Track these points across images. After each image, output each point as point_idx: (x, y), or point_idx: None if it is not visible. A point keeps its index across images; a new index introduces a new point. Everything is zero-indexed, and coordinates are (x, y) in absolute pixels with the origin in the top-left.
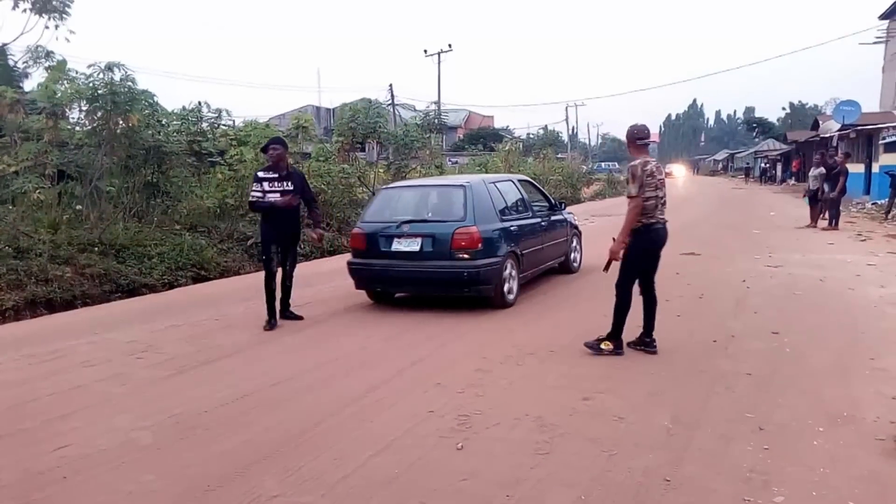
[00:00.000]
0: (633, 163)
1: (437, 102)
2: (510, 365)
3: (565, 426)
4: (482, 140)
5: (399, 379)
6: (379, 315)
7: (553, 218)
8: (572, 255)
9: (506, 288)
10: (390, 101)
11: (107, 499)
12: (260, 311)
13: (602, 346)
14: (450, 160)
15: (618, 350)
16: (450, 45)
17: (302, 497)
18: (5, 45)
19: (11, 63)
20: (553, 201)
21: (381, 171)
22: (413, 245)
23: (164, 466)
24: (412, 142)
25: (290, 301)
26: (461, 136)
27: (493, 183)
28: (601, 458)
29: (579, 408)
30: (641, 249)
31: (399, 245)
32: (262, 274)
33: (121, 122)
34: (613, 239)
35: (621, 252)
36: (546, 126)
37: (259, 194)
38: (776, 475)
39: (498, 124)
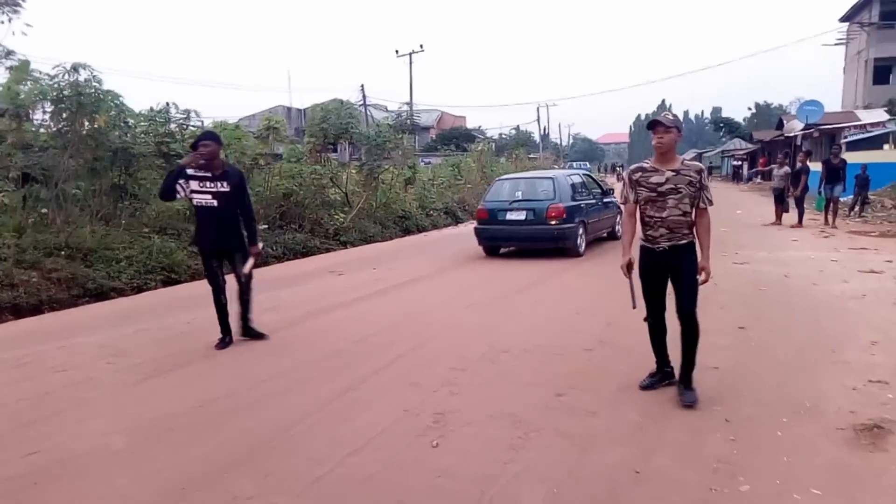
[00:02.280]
0: (699, 164)
1: (409, 103)
2: (485, 363)
3: (539, 422)
4: (455, 140)
5: (374, 379)
6: (352, 317)
7: (605, 200)
8: (616, 227)
9: (578, 243)
10: (362, 102)
11: None
12: (233, 313)
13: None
14: (422, 160)
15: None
16: (421, 46)
17: (277, 498)
18: None
19: None
20: (604, 189)
21: (354, 171)
22: (521, 215)
23: (137, 470)
24: (384, 142)
25: (251, 316)
26: (433, 136)
27: (569, 175)
28: (574, 453)
29: (552, 404)
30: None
31: (511, 216)
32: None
33: (87, 123)
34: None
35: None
36: (518, 126)
37: (181, 191)
38: (742, 465)
39: (470, 124)
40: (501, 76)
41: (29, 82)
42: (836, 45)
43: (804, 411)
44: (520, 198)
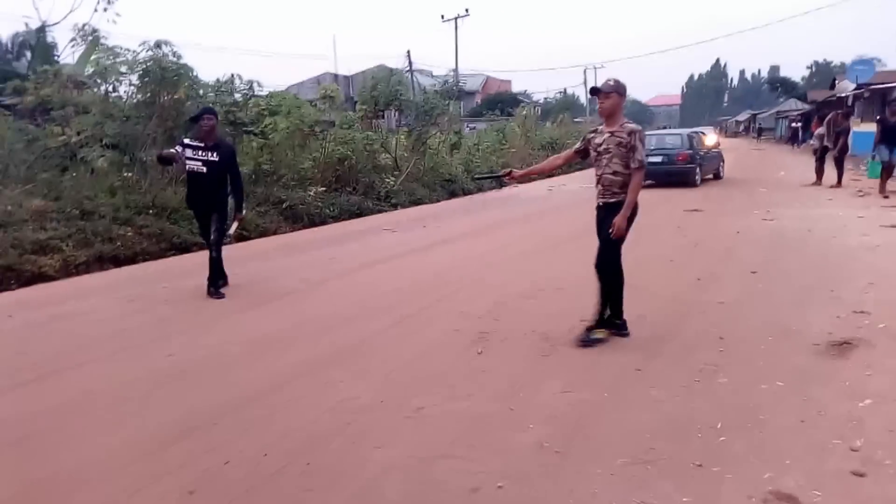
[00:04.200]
0: (634, 126)
1: (455, 69)
2: (523, 298)
3: (563, 339)
4: (500, 105)
5: (430, 309)
6: (407, 266)
7: (713, 151)
8: (721, 170)
9: (696, 177)
10: (408, 69)
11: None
12: (304, 261)
13: (599, 335)
14: (468, 126)
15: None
16: (466, 10)
17: (360, 382)
18: (45, 24)
19: (50, 40)
20: (715, 146)
21: (403, 137)
22: (658, 159)
23: (250, 369)
24: (432, 109)
25: (221, 277)
26: (479, 101)
27: (687, 134)
28: (589, 358)
29: (577, 326)
30: (631, 223)
31: (651, 158)
32: (300, 233)
33: (167, 95)
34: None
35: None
36: (565, 90)
37: (175, 152)
38: (724, 367)
39: (516, 88)
40: (548, 39)
41: (112, 57)
42: None
43: (789, 333)
44: (655, 147)
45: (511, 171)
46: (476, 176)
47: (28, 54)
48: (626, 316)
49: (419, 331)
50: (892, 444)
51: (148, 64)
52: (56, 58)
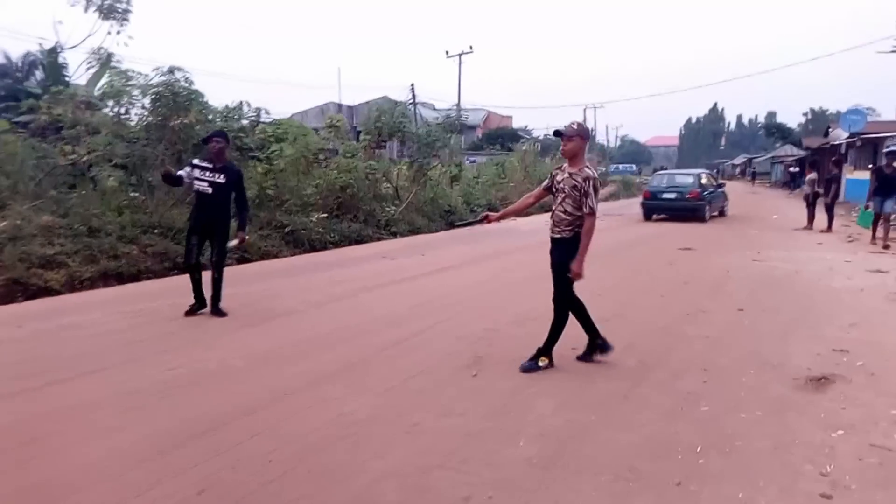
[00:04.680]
0: (590, 173)
1: (458, 104)
2: (514, 326)
3: (557, 363)
4: (500, 140)
5: (425, 333)
6: (404, 292)
7: (719, 190)
8: (725, 209)
9: (705, 213)
10: (411, 101)
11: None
12: (305, 284)
13: (540, 363)
14: (468, 159)
15: (551, 364)
16: (471, 47)
17: (359, 398)
18: (61, 46)
19: (62, 61)
20: (720, 182)
21: (404, 167)
22: (672, 195)
23: (256, 379)
24: (434, 141)
25: (220, 297)
26: (480, 135)
27: (699, 173)
28: (577, 382)
29: (567, 353)
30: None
31: (666, 195)
32: (301, 257)
33: (178, 118)
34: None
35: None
36: None
37: (184, 174)
38: (706, 396)
39: (516, 124)
40: (549, 77)
41: (122, 80)
42: (891, 52)
43: (770, 367)
44: (668, 185)
45: (488, 215)
46: (457, 223)
47: (37, 73)
48: (615, 345)
49: (416, 352)
50: (860, 470)
51: (161, 89)
52: (67, 78)
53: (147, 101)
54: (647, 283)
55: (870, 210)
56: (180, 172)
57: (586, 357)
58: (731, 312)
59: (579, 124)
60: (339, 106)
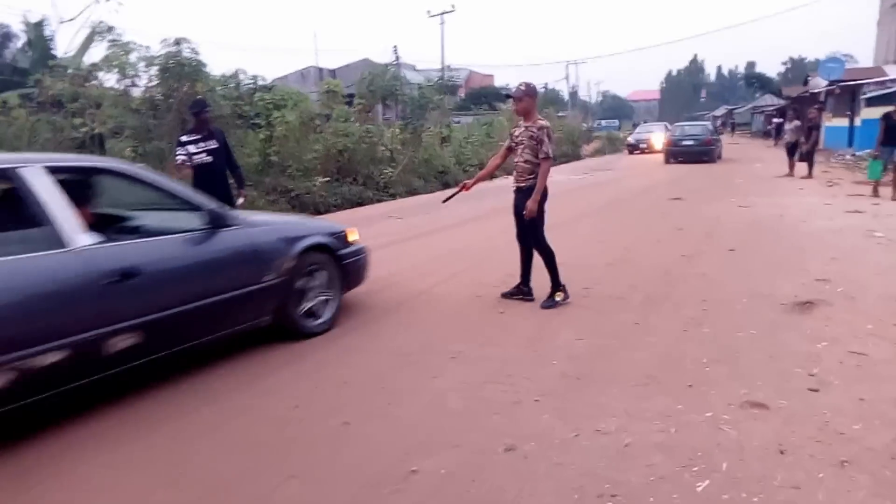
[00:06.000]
0: (543, 123)
1: (443, 65)
2: (534, 274)
3: (572, 301)
4: (484, 99)
5: (451, 281)
6: (419, 247)
7: (719, 136)
8: (722, 152)
9: (716, 156)
10: (395, 63)
11: None
12: None
13: (556, 298)
14: (453, 119)
15: (567, 296)
16: (452, 7)
17: (408, 332)
18: (58, 20)
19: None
20: (719, 135)
21: (398, 130)
22: (690, 142)
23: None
24: (426, 103)
25: None
26: (462, 95)
27: (708, 123)
28: (594, 316)
29: (581, 293)
30: (544, 206)
31: (685, 142)
32: None
33: (184, 89)
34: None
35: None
36: (546, 85)
37: (184, 157)
38: (707, 321)
39: (498, 83)
40: (529, 34)
41: (126, 53)
42: None
43: (761, 296)
44: (686, 134)
45: (465, 184)
46: (444, 200)
47: (11, 45)
48: (622, 286)
49: (446, 296)
50: (841, 371)
51: (170, 62)
52: (53, 51)
53: (154, 72)
54: (645, 232)
55: (879, 160)
56: (179, 158)
57: (551, 303)
58: (723, 253)
59: (527, 85)
60: (321, 70)
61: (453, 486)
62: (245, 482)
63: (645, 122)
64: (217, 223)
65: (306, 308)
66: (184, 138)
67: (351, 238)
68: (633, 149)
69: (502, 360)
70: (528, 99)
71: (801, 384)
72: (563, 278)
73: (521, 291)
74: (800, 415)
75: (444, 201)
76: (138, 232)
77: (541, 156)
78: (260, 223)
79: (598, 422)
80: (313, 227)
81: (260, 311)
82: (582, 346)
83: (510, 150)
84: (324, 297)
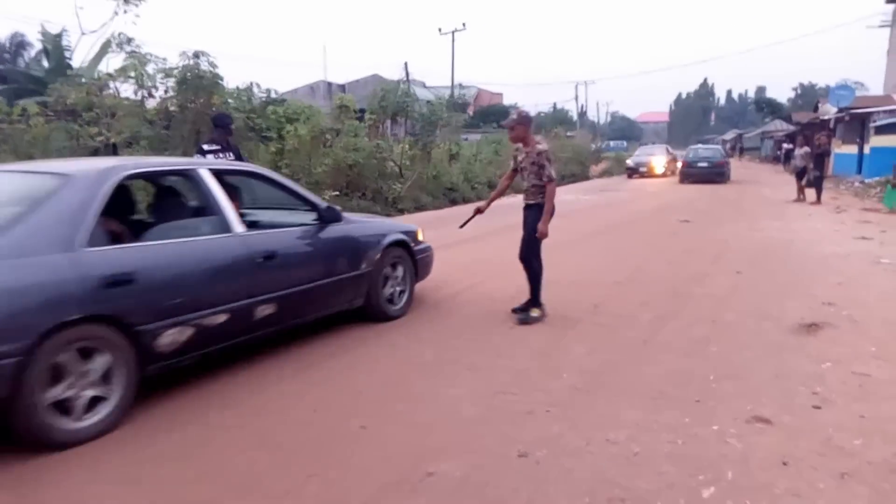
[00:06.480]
0: (542, 148)
1: (454, 83)
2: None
3: (581, 318)
4: (492, 118)
5: (463, 294)
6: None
7: (730, 160)
8: (730, 174)
9: (728, 176)
10: (404, 79)
11: None
12: None
13: (533, 314)
14: (462, 137)
15: (543, 314)
16: (464, 25)
17: (421, 344)
18: (81, 31)
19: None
20: (729, 156)
21: (407, 145)
22: (704, 164)
23: None
24: (437, 120)
25: None
26: (471, 112)
27: (720, 146)
28: (604, 332)
29: (590, 310)
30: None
31: (700, 164)
32: None
33: (201, 101)
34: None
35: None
36: (555, 104)
37: None
38: (714, 340)
39: (507, 102)
40: (539, 53)
41: (142, 65)
42: (880, 27)
43: (768, 318)
44: (700, 157)
45: (479, 208)
46: (461, 225)
47: (25, 55)
48: (632, 304)
49: (459, 310)
50: (843, 390)
51: (188, 73)
52: (68, 60)
53: (171, 83)
54: (655, 252)
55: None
56: None
57: (526, 318)
58: (731, 275)
59: (518, 113)
60: (330, 85)
61: (469, 488)
62: (268, 479)
63: (653, 143)
64: (329, 219)
65: (388, 295)
66: (205, 147)
67: (420, 237)
68: (633, 172)
69: (514, 372)
70: (520, 127)
71: (804, 401)
72: (573, 295)
73: (535, 305)
74: (803, 430)
75: (462, 226)
76: (266, 224)
77: (545, 179)
78: (356, 220)
79: (609, 432)
80: (394, 225)
81: (356, 293)
82: (591, 361)
83: (515, 172)
84: (400, 288)
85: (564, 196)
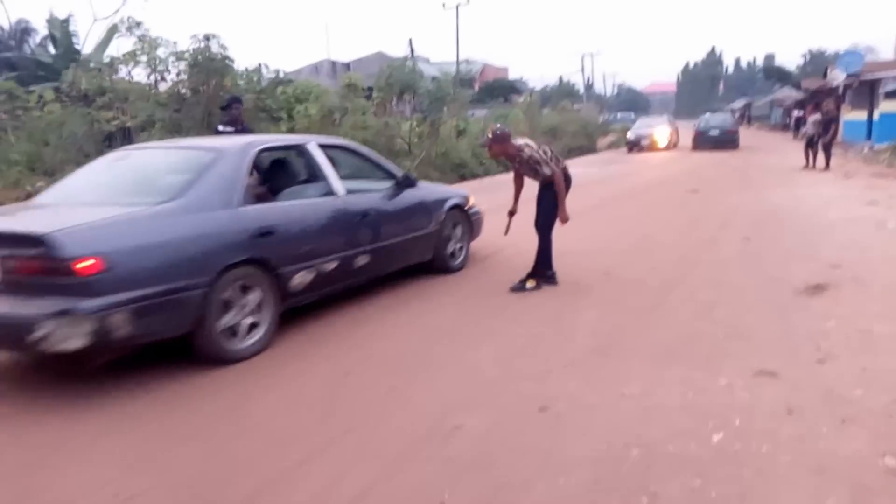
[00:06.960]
0: (525, 152)
1: (458, 58)
2: (556, 258)
3: (595, 284)
4: (498, 92)
5: (483, 263)
6: None
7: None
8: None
9: (738, 143)
10: (410, 56)
11: None
12: None
13: (528, 285)
14: (469, 112)
15: (538, 286)
16: None
17: (444, 309)
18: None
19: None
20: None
21: (415, 123)
22: (715, 132)
23: None
24: (444, 96)
25: None
26: (476, 88)
27: (729, 114)
28: (613, 298)
29: (602, 277)
30: (557, 201)
31: (710, 133)
32: None
33: (213, 83)
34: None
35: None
36: (560, 77)
37: None
38: (722, 303)
39: (512, 76)
40: (544, 25)
41: (152, 49)
42: None
43: (774, 280)
44: (712, 125)
45: (511, 211)
46: (505, 233)
47: (30, 41)
48: (641, 270)
49: (475, 279)
50: (847, 346)
51: (199, 56)
52: (76, 46)
53: (182, 66)
54: (664, 221)
55: None
56: None
57: (520, 287)
58: (738, 241)
59: (493, 132)
60: (334, 63)
61: (495, 438)
62: (307, 435)
63: (660, 115)
64: (406, 184)
65: (450, 251)
66: (220, 128)
67: (472, 201)
68: (633, 146)
69: (530, 336)
70: (496, 145)
71: (809, 356)
72: (585, 262)
73: (545, 276)
74: (807, 382)
75: (506, 233)
76: (356, 189)
77: (547, 175)
78: (424, 186)
79: (623, 388)
80: (452, 191)
81: (427, 249)
82: (603, 324)
83: (519, 175)
84: (459, 244)
85: (571, 169)
